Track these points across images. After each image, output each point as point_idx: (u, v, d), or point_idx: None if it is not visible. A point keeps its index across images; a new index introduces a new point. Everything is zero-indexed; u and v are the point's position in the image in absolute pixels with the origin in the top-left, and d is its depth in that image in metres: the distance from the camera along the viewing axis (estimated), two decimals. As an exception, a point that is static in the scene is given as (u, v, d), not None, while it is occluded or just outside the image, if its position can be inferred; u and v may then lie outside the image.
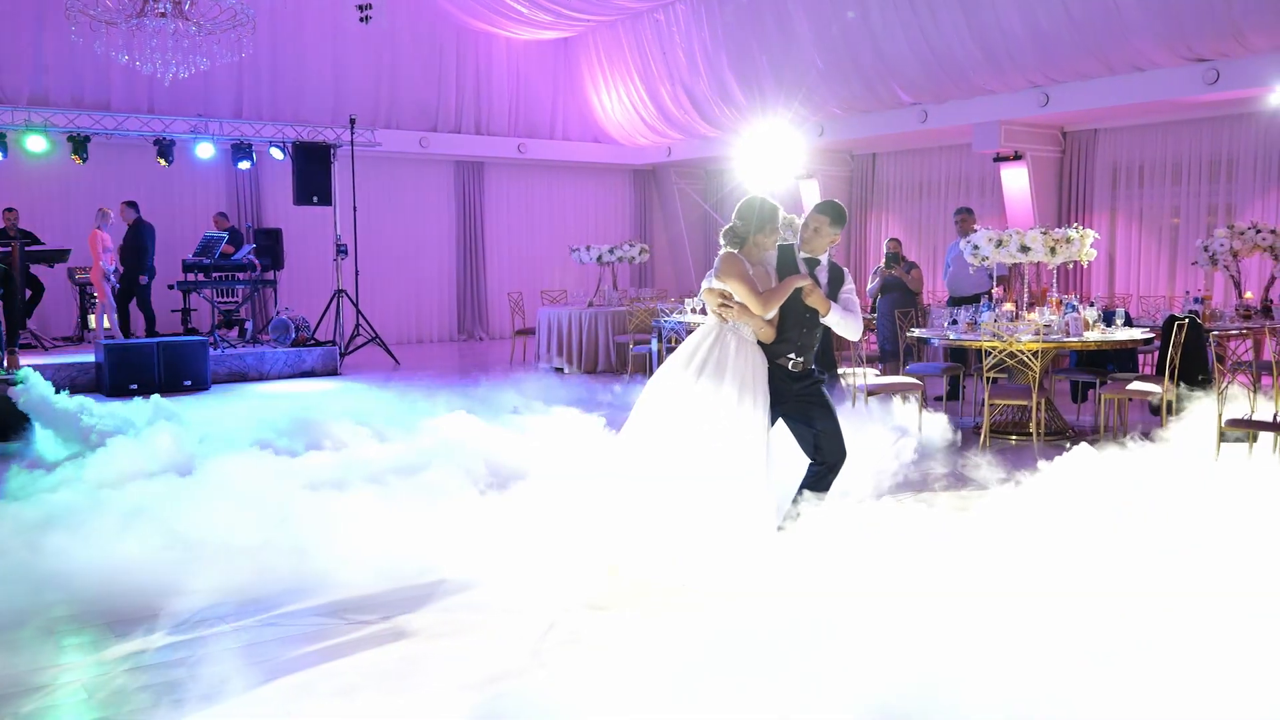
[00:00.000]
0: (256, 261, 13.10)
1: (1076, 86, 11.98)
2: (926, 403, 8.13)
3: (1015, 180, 13.34)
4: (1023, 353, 7.53)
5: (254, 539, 4.61)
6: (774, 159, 14.76)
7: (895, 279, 9.78)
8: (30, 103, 13.26)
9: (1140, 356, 9.96)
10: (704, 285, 4.68)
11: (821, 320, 4.69)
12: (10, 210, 12.42)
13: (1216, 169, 12.33)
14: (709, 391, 4.49)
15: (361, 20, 12.60)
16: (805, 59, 13.89)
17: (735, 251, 4.63)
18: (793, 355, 4.68)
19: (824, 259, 4.80)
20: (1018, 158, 13.19)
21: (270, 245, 14.68)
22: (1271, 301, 10.21)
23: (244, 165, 13.53)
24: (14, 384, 7.91)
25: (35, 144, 12.33)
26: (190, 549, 4.52)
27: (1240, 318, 9.71)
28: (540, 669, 3.42)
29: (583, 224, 18.28)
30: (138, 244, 12.32)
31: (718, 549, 4.25)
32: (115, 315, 12.53)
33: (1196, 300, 9.83)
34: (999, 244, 8.05)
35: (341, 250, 13.57)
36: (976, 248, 8.20)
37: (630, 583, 4.27)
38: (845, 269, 4.91)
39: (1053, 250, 7.90)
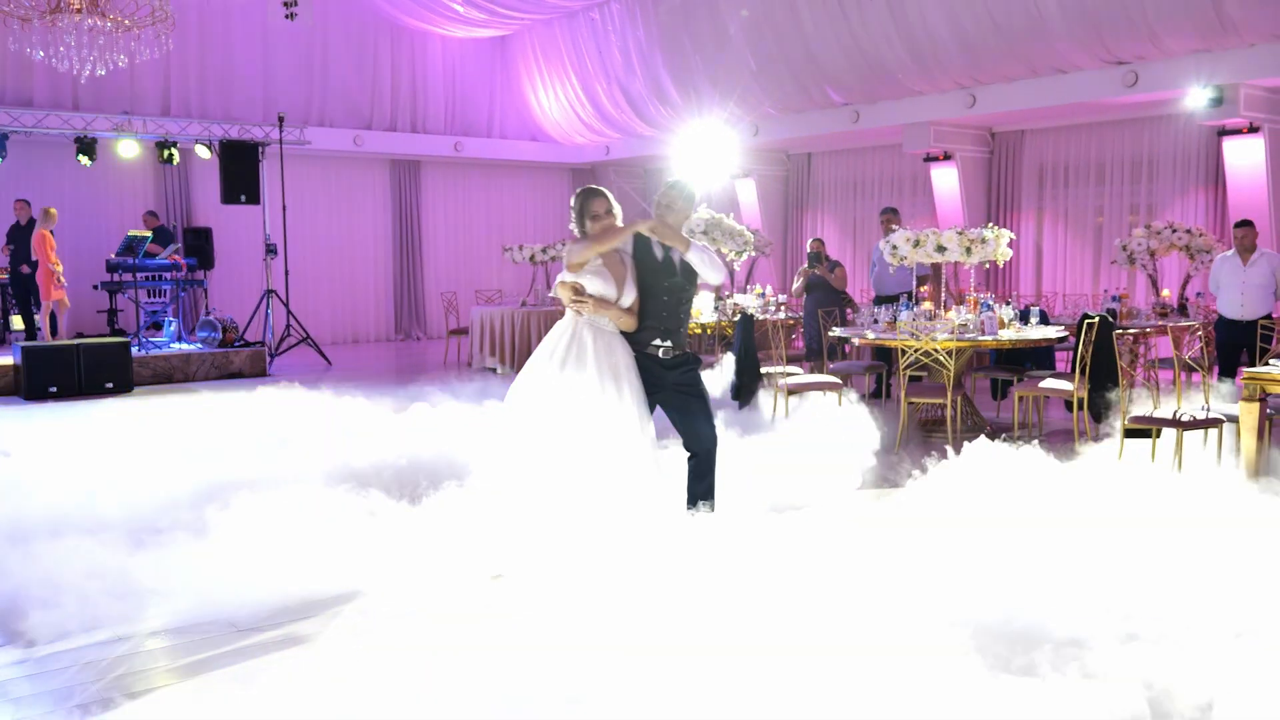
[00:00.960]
0: (182, 261, 12.87)
1: (1002, 88, 12.15)
2: (845, 400, 8.19)
3: (945, 180, 13.50)
4: (938, 351, 7.61)
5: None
6: (710, 158, 14.81)
7: (819, 278, 9.85)
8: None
9: (1059, 355, 10.12)
10: (557, 281, 4.65)
11: (688, 256, 4.61)
12: None
13: (1138, 169, 12.57)
14: (574, 385, 4.44)
15: (287, 17, 12.42)
16: (738, 59, 13.94)
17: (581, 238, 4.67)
18: (659, 341, 4.68)
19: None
20: (947, 158, 13.35)
21: (200, 245, 14.45)
22: (1188, 300, 10.42)
23: (168, 162, 13.27)
24: None
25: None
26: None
27: (1157, 316, 9.90)
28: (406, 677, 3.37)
29: (521, 223, 18.20)
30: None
31: (601, 547, 4.21)
32: (41, 315, 12.25)
33: (1114, 299, 10.00)
34: (916, 244, 8.13)
35: (271, 250, 13.38)
36: (895, 247, 8.27)
37: (515, 588, 4.21)
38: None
39: (968, 250, 7.99)
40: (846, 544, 4.52)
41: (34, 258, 11.72)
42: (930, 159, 13.44)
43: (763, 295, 10.99)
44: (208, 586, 4.11)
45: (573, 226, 4.74)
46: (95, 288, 13.29)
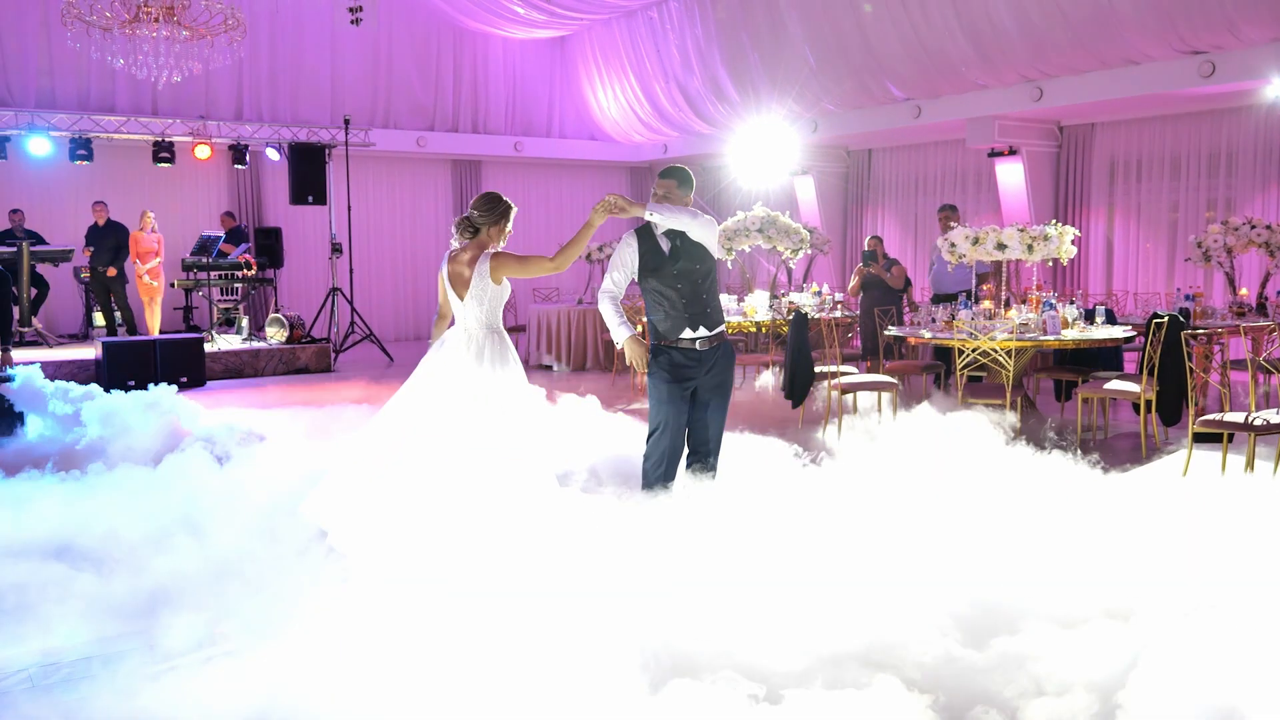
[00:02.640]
0: (253, 260, 13.04)
1: (1070, 81, 11.71)
2: (901, 401, 7.94)
3: (1010, 175, 13.08)
4: (996, 351, 7.32)
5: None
6: (769, 155, 14.56)
7: (874, 277, 9.58)
8: (37, 106, 13.22)
9: (1128, 356, 9.71)
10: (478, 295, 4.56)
11: (650, 218, 4.51)
12: (16, 211, 12.43)
13: (1215, 163, 12.03)
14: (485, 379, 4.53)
15: (353, 22, 12.49)
16: (797, 55, 13.68)
17: (476, 246, 4.64)
18: (689, 331, 4.59)
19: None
20: (1012, 153, 12.92)
21: (270, 244, 14.63)
22: (1267, 299, 9.92)
23: (240, 166, 13.46)
24: (7, 380, 7.88)
25: (38, 146, 12.35)
26: None
27: (1234, 315, 9.43)
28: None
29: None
30: (118, 242, 12.30)
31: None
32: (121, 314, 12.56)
33: (1187, 298, 9.56)
34: (975, 241, 7.84)
35: (336, 249, 13.51)
36: (954, 245, 7.99)
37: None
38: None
39: (1030, 247, 7.68)
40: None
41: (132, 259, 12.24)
42: (995, 154, 13.03)
43: (819, 294, 10.73)
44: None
45: (471, 218, 4.68)
46: (172, 286, 13.53)
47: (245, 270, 12.87)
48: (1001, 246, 7.74)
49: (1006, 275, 8.50)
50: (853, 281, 9.92)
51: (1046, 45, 11.29)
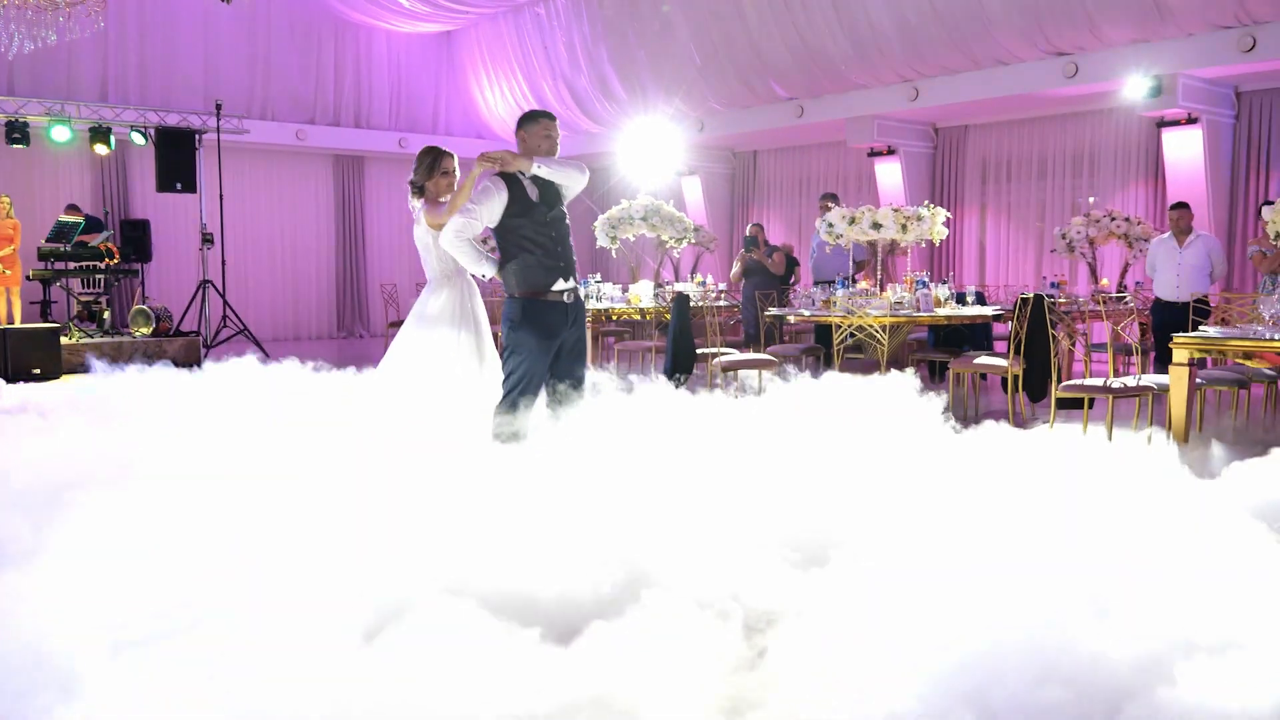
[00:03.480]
0: (115, 249, 12.45)
1: (944, 81, 12.08)
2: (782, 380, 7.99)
3: (889, 175, 13.42)
4: (872, 326, 7.44)
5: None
6: (656, 155, 14.63)
7: (756, 263, 9.69)
8: None
9: (999, 344, 10.01)
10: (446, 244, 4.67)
11: (533, 173, 4.53)
12: None
13: (1079, 164, 12.55)
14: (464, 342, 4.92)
15: (224, 0, 12.08)
16: (683, 54, 13.80)
17: (423, 200, 5.01)
18: (561, 283, 4.62)
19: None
20: (891, 153, 13.27)
21: (137, 236, 14.00)
22: (1126, 287, 10.37)
23: (101, 149, 12.88)
24: None
25: None
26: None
27: (1096, 303, 9.82)
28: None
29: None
30: None
31: None
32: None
33: (1053, 285, 9.92)
34: (852, 221, 7.98)
35: (207, 239, 13.02)
36: (831, 225, 8.12)
37: None
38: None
39: (904, 227, 7.86)
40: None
41: None
42: (874, 154, 13.36)
43: (703, 284, 10.79)
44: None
45: (413, 180, 5.01)
46: (28, 278, 12.82)
47: (108, 260, 12.26)
48: (877, 226, 7.90)
49: (882, 262, 8.67)
50: (735, 268, 10.00)
51: (922, 45, 11.63)
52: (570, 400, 4.59)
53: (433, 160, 5.00)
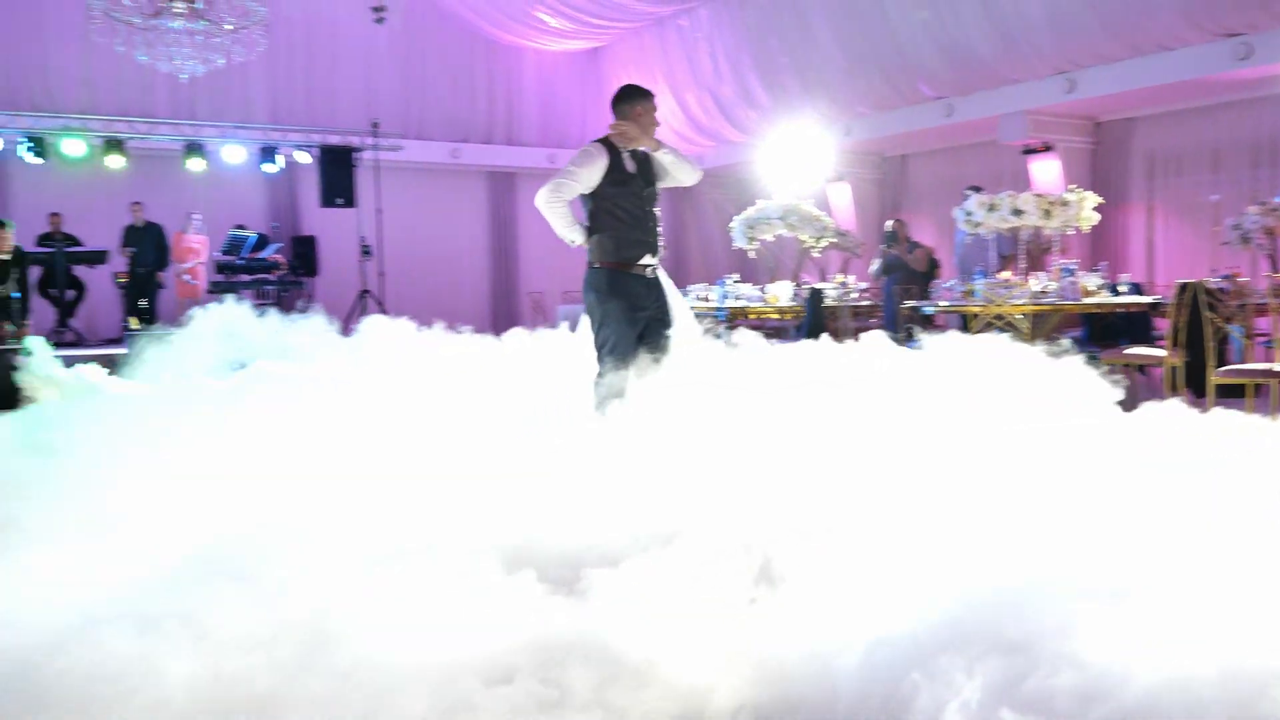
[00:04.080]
0: (283, 260, 13.26)
1: (1102, 70, 11.53)
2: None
3: (1046, 173, 12.88)
4: (1011, 316, 7.15)
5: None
6: (802, 162, 14.50)
7: (896, 258, 9.47)
8: (77, 110, 13.55)
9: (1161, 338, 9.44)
10: None
11: (662, 155, 4.65)
12: (55, 214, 12.76)
13: (1259, 153, 11.74)
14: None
15: (376, 21, 12.74)
16: (826, 57, 13.68)
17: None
18: (648, 258, 4.66)
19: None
20: (1047, 149, 12.75)
21: (304, 252, 14.89)
22: (1310, 281, 9.62)
23: (270, 168, 13.76)
24: (21, 353, 8.05)
25: (73, 148, 12.69)
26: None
27: (1273, 296, 9.14)
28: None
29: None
30: (157, 241, 12.58)
31: None
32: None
33: (1224, 276, 9.29)
34: (991, 208, 7.71)
35: (366, 251, 13.70)
36: (969, 213, 7.87)
37: None
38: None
39: (1047, 213, 7.55)
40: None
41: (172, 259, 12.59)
42: (1029, 151, 12.86)
43: (844, 284, 10.62)
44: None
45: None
46: (209, 291, 13.79)
47: (277, 270, 13.07)
48: (1018, 212, 7.60)
49: (1028, 253, 8.34)
50: (874, 264, 9.80)
51: (1076, 33, 11.15)
52: (662, 365, 4.59)
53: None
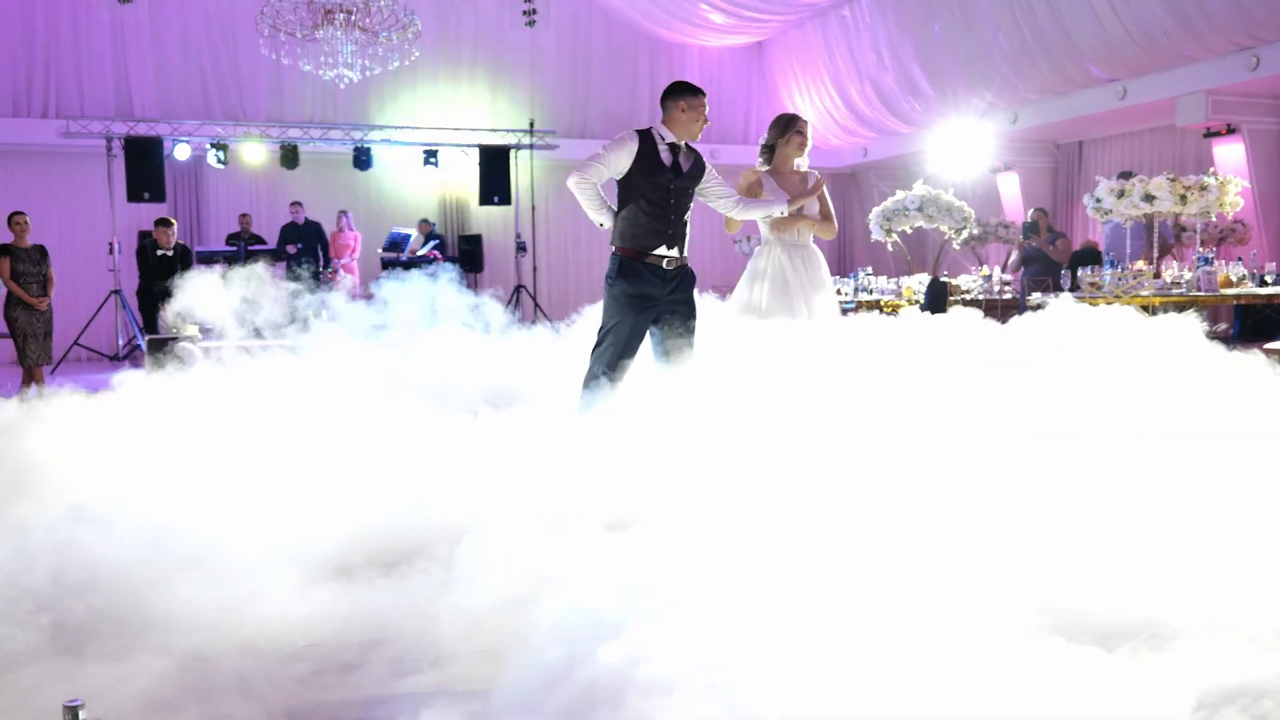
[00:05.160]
0: (439, 256, 14.02)
1: (1290, 43, 10.68)
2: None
3: (1230, 157, 12.02)
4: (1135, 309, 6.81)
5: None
6: (968, 152, 14.12)
7: (1036, 250, 9.13)
8: (265, 118, 14.76)
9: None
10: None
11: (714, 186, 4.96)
12: (245, 215, 13.99)
13: None
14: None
15: (528, 24, 13.28)
16: (990, 43, 13.23)
17: (756, 169, 5.48)
18: (664, 249, 4.72)
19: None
20: (1231, 131, 11.90)
21: (470, 250, 15.67)
22: None
23: (431, 166, 14.56)
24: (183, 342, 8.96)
25: (253, 154, 13.87)
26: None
27: None
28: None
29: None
30: (317, 239, 13.56)
31: None
32: None
33: None
34: (1121, 194, 7.36)
35: (520, 248, 14.29)
36: (1099, 200, 7.54)
37: None
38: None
39: (1183, 198, 7.14)
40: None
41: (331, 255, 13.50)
42: (1211, 134, 12.04)
43: (989, 277, 10.30)
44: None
45: (764, 142, 5.50)
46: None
47: (433, 265, 13.82)
48: (1149, 198, 7.23)
49: (1157, 234, 7.89)
50: (1012, 256, 9.49)
51: (1260, 4, 10.38)
52: (678, 365, 4.68)
53: (787, 122, 5.43)
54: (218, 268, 12.93)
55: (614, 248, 4.80)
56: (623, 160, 4.73)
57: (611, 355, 4.68)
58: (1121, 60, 12.10)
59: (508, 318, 11.52)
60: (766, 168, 5.46)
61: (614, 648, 2.02)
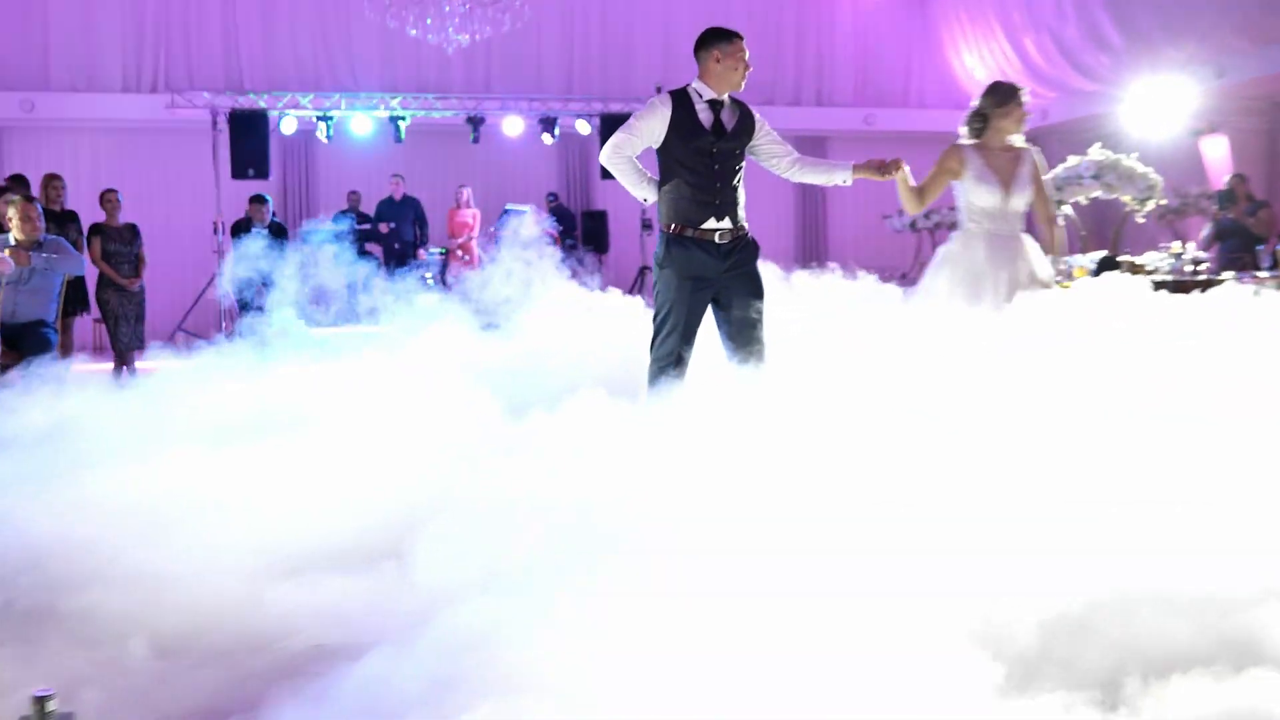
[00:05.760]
0: (554, 233, 13.68)
1: None
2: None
3: None
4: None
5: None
6: (1166, 112, 12.90)
7: (1233, 223, 8.04)
8: (378, 89, 14.69)
9: None
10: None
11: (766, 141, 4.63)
12: (354, 193, 13.98)
13: None
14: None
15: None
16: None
17: (961, 143, 5.08)
18: (714, 221, 4.39)
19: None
20: None
21: (594, 228, 15.31)
22: None
23: (547, 139, 14.23)
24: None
25: (361, 126, 13.83)
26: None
27: None
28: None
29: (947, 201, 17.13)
30: (416, 215, 13.45)
31: None
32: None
33: None
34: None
35: (646, 225, 13.88)
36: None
37: None
38: None
39: None
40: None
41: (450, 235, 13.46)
42: None
43: (1179, 255, 9.16)
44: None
45: (976, 109, 5.09)
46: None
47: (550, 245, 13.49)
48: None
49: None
50: (1205, 230, 8.40)
51: None
52: (745, 360, 4.32)
53: (1008, 92, 5.00)
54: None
55: (661, 227, 4.50)
56: (656, 127, 4.45)
57: (672, 345, 4.41)
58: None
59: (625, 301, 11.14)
60: (973, 140, 4.99)
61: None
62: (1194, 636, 2.33)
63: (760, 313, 4.49)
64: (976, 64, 16.14)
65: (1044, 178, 5.08)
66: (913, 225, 12.03)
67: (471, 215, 13.64)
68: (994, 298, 4.67)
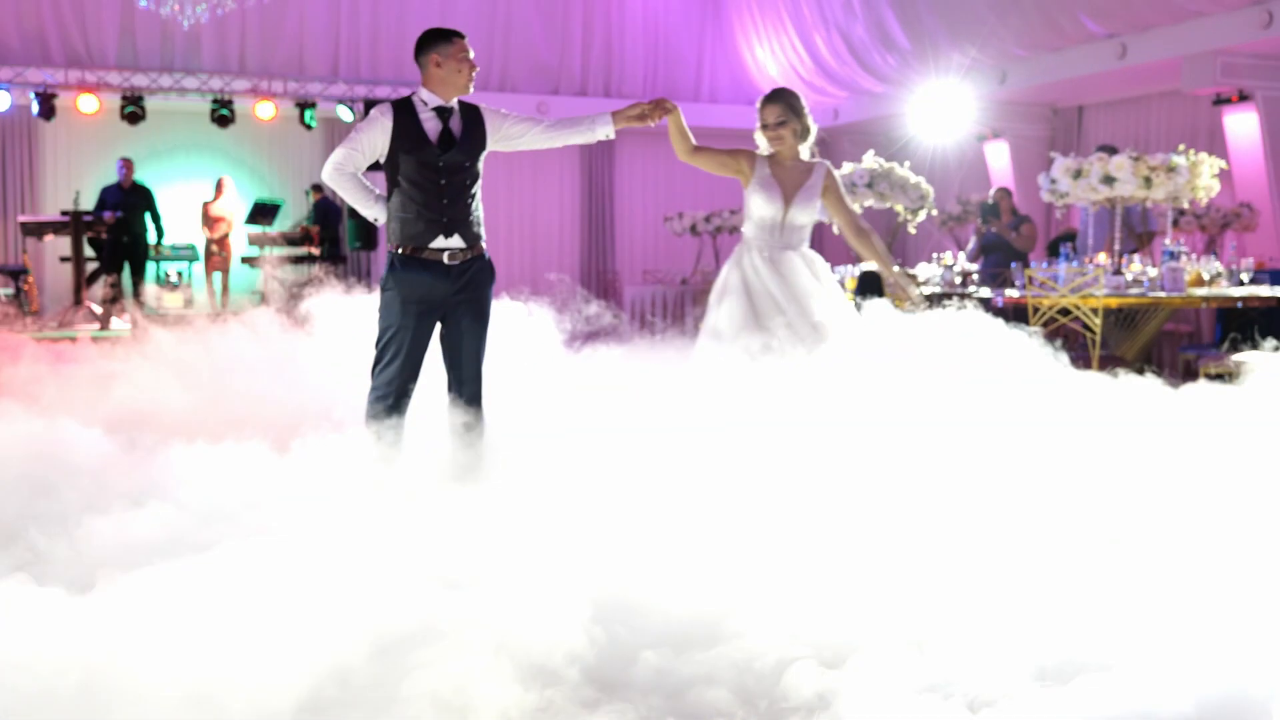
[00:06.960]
0: (314, 230, 13.90)
1: (1311, -1, 10.73)
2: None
3: (1241, 128, 12.07)
4: (1079, 309, 6.80)
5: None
6: (951, 116, 14.10)
7: (996, 237, 9.10)
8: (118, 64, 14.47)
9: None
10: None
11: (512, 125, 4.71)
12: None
13: None
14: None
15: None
16: (972, -12, 13.23)
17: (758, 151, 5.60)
18: (442, 240, 4.45)
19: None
20: (1244, 99, 11.94)
21: (364, 225, 15.46)
22: None
23: (308, 127, 14.42)
24: None
25: (90, 106, 13.67)
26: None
27: None
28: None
29: (736, 201, 18.08)
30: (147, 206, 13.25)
31: None
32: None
33: None
34: (1077, 174, 7.34)
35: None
36: (1054, 181, 7.52)
37: None
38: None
39: (1147, 181, 7.12)
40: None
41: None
42: (1221, 101, 12.08)
43: (950, 267, 10.25)
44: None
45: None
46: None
47: (309, 244, 13.63)
48: (1109, 180, 7.21)
49: (1133, 225, 7.89)
50: (970, 244, 9.47)
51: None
52: (460, 394, 4.63)
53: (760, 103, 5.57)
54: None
55: (389, 246, 4.58)
56: (378, 141, 4.46)
57: (393, 373, 4.51)
58: (1120, 12, 12.11)
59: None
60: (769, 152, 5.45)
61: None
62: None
63: (481, 338, 4.61)
64: (769, 59, 17.21)
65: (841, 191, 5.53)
66: (693, 229, 12.81)
67: (228, 210, 13.64)
68: (779, 317, 5.10)
